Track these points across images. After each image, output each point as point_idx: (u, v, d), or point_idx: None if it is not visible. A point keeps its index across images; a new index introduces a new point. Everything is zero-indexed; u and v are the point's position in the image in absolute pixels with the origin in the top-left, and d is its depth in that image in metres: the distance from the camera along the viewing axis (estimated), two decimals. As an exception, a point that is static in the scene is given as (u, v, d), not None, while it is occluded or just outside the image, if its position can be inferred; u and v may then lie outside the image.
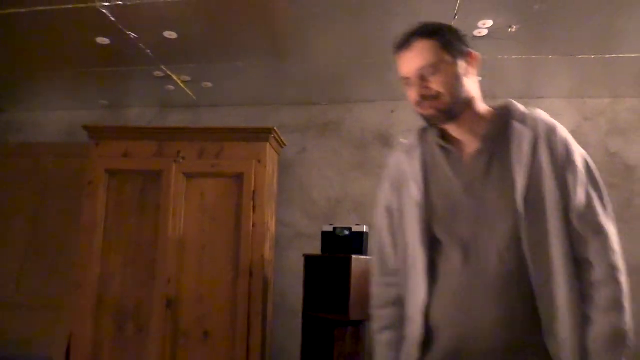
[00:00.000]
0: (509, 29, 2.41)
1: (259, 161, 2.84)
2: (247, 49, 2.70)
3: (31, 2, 2.28)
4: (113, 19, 2.36)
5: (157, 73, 2.96)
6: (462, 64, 1.26)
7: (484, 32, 2.44)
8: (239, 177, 2.83)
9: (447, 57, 1.24)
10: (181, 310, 2.76)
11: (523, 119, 1.27)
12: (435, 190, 1.31)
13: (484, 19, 2.35)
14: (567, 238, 1.19)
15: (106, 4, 2.24)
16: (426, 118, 1.29)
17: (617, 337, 1.15)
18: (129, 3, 2.23)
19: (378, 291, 1.43)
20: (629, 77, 2.90)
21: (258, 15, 2.36)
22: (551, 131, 1.25)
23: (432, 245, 1.27)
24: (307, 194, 3.24)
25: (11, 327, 3.12)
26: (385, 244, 1.42)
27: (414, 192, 1.32)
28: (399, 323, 1.34)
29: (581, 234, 1.19)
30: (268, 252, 2.92)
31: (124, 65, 2.89)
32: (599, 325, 1.15)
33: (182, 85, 3.12)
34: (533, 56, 2.70)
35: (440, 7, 2.24)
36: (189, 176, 2.86)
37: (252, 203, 2.79)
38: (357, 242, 2.63)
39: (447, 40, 1.25)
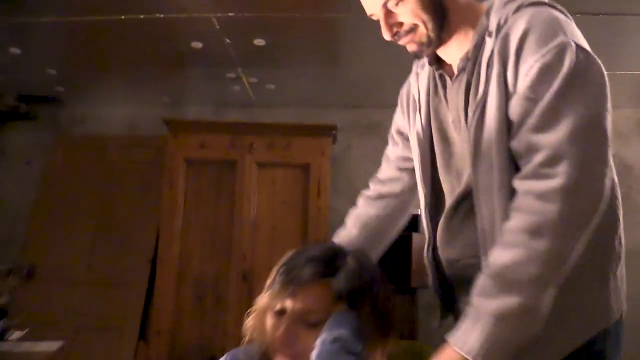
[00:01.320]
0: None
1: (323, 153, 3.27)
2: (305, 55, 3.10)
3: (143, 10, 2.65)
4: (218, 27, 2.75)
5: (230, 75, 3.35)
6: None
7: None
8: (305, 167, 3.25)
9: None
10: (255, 282, 3.14)
11: (495, 27, 1.08)
12: (436, 125, 1.23)
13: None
14: (511, 166, 1.04)
15: (219, 14, 2.64)
16: (414, 55, 1.20)
17: (497, 281, 0.96)
18: (240, 14, 2.64)
19: None
20: (626, 90, 3.48)
21: (316, 25, 2.72)
22: (511, 32, 1.04)
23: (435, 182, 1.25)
24: (352, 185, 3.68)
25: (85, 303, 3.41)
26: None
27: (418, 125, 1.26)
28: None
29: (518, 155, 1.03)
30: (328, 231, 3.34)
31: (205, 67, 3.26)
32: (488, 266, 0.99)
33: (247, 86, 3.52)
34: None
35: None
36: (260, 165, 3.26)
37: (317, 190, 3.22)
38: (414, 222, 3.09)
39: None
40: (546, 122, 0.97)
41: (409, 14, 1.09)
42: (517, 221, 0.96)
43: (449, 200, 1.21)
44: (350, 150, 3.76)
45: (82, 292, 3.44)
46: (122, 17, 2.69)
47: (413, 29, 1.11)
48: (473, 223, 1.11)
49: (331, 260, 1.07)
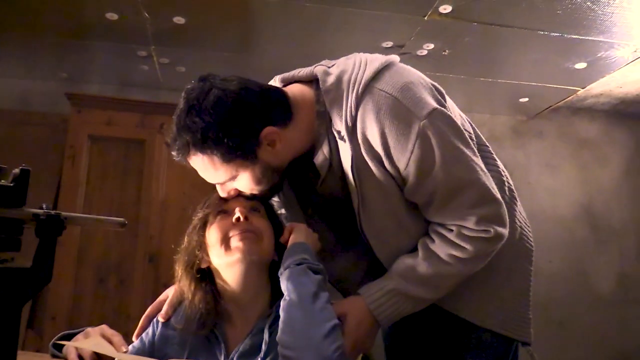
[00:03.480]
0: (443, 52, 3.24)
1: (235, 138, 3.29)
2: (221, 39, 3.12)
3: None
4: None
5: (141, 52, 3.26)
6: (252, 163, 1.17)
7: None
8: (217, 150, 3.25)
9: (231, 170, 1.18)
10: (162, 264, 3.08)
11: (346, 135, 1.19)
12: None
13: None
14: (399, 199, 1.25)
15: (143, -15, 2.59)
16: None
17: (419, 281, 1.21)
18: (165, -12, 2.61)
19: None
20: (503, 98, 3.95)
21: (235, 8, 2.77)
22: (365, 138, 1.18)
23: None
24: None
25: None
26: None
27: None
28: None
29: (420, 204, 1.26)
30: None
31: (115, 42, 3.14)
32: (416, 261, 1.23)
33: (157, 66, 3.44)
34: (438, 74, 3.52)
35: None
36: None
37: (228, 173, 3.24)
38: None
39: (224, 150, 1.14)
40: (449, 199, 1.19)
41: (241, 186, 1.25)
42: (435, 267, 1.22)
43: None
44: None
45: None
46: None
47: (254, 196, 1.28)
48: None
49: None
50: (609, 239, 4.09)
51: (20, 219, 0.83)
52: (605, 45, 3.05)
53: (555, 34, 2.95)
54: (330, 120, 1.20)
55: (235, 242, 1.15)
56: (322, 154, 1.23)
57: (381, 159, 1.17)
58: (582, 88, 3.66)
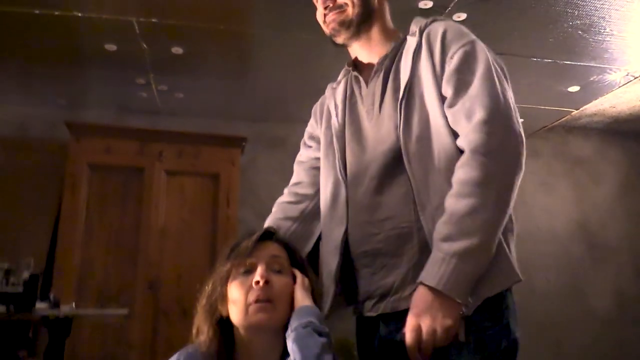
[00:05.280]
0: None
1: (233, 164, 3.33)
2: (218, 67, 3.18)
3: (60, 6, 2.55)
4: (138, 31, 2.73)
5: (140, 80, 3.29)
6: None
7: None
8: (215, 177, 3.29)
9: None
10: (162, 291, 3.10)
11: (416, 31, 1.31)
12: (350, 120, 1.38)
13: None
14: (448, 134, 1.20)
15: (142, 19, 2.63)
16: (331, 36, 1.37)
17: (457, 226, 1.10)
18: (163, 21, 2.64)
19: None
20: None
21: (231, 38, 2.83)
22: (433, 31, 1.28)
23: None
24: (257, 196, 3.77)
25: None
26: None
27: (334, 122, 1.41)
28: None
29: (457, 122, 1.19)
30: (236, 242, 3.40)
31: (114, 71, 3.18)
32: (445, 213, 1.13)
33: (155, 93, 3.47)
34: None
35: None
36: (170, 174, 3.23)
37: (227, 199, 3.27)
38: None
39: None
40: (479, 93, 1.17)
41: None
42: (467, 174, 1.12)
43: (363, 180, 1.31)
44: (256, 162, 3.86)
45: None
46: (35, 11, 2.57)
47: (342, 7, 1.33)
48: (397, 192, 1.24)
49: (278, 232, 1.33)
50: (605, 257, 4.12)
51: (30, 321, 0.85)
52: (597, 69, 3.10)
53: (548, 60, 3.00)
54: (405, 40, 1.34)
55: (253, 312, 1.16)
56: (386, 53, 1.34)
57: (433, 51, 1.26)
58: (576, 109, 3.72)
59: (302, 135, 1.60)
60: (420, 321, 1.08)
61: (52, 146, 3.41)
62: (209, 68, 3.18)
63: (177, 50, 2.92)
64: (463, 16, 2.59)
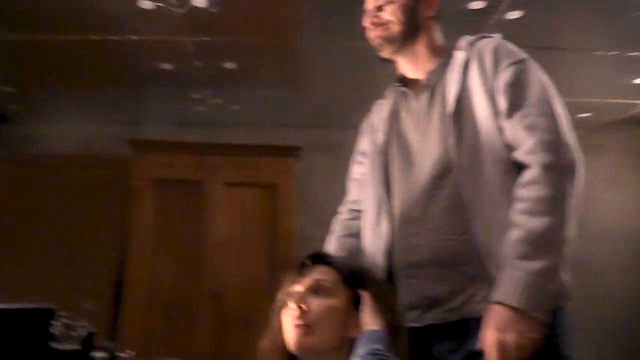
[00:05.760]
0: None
1: (289, 173, 3.37)
2: (272, 78, 3.23)
3: (117, 32, 2.66)
4: (191, 50, 2.80)
5: (195, 96, 3.39)
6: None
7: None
8: (272, 187, 3.33)
9: None
10: (226, 302, 3.16)
11: (465, 46, 1.34)
12: (395, 135, 1.39)
13: None
14: (501, 145, 1.20)
15: (193, 39, 2.69)
16: (376, 48, 1.40)
17: (535, 245, 1.09)
18: (214, 39, 2.70)
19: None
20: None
21: (283, 51, 2.86)
22: (483, 47, 1.30)
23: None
24: (315, 204, 3.79)
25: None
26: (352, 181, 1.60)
27: (378, 138, 1.42)
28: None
29: (514, 135, 1.19)
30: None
31: (171, 88, 3.28)
32: (517, 229, 1.11)
33: (211, 107, 3.56)
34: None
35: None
36: (227, 185, 3.30)
37: (285, 209, 3.31)
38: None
39: None
40: (539, 110, 1.19)
41: (390, 12, 1.35)
42: (540, 192, 1.12)
43: (409, 193, 1.32)
44: (312, 170, 3.87)
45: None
46: (93, 37, 2.68)
47: (387, 24, 1.35)
48: (444, 203, 1.25)
49: (329, 255, 1.31)
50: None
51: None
52: (666, 59, 2.91)
53: (612, 52, 2.85)
54: (452, 56, 1.35)
55: (293, 338, 1.18)
56: (435, 68, 1.36)
57: (484, 65, 1.27)
58: (644, 101, 3.51)
59: (356, 141, 1.62)
60: (505, 336, 1.07)
61: (115, 161, 3.55)
62: (262, 80, 3.22)
63: (230, 65, 2.97)
64: (518, 14, 2.50)
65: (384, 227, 1.35)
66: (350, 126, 3.96)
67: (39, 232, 3.50)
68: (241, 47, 2.79)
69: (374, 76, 3.03)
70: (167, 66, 2.98)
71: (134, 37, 2.68)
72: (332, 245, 1.54)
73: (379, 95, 1.54)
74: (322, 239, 2.01)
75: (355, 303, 1.22)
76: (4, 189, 3.63)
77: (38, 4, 2.42)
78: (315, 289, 1.21)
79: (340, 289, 1.23)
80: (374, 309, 1.22)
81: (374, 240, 1.37)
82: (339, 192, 1.65)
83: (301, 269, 1.24)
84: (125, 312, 3.11)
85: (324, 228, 1.64)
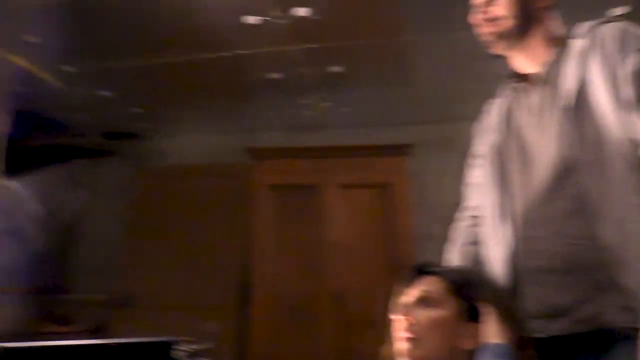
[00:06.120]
0: None
1: (402, 172, 3.32)
2: (379, 77, 3.19)
3: (225, 48, 2.77)
4: (296, 58, 2.85)
5: (305, 101, 3.45)
6: None
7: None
8: (386, 186, 3.30)
9: None
10: (347, 303, 3.20)
11: (584, 33, 1.24)
12: (511, 134, 1.32)
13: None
14: (627, 141, 1.12)
15: (298, 47, 2.74)
16: (486, 44, 1.33)
17: None
18: (318, 46, 2.73)
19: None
20: None
21: (389, 49, 2.82)
22: (605, 32, 1.20)
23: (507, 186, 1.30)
24: (432, 201, 3.69)
25: (180, 328, 3.55)
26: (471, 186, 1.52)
27: (494, 139, 1.36)
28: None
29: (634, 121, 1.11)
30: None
31: (281, 95, 3.37)
32: None
33: (321, 110, 3.60)
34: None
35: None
36: (342, 187, 3.33)
37: (400, 208, 3.26)
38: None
39: None
40: None
41: (501, 6, 1.27)
42: None
43: (528, 195, 1.24)
44: (427, 166, 3.78)
45: (176, 317, 3.58)
46: (206, 55, 2.83)
47: (498, 20, 1.28)
48: (566, 205, 1.16)
49: (441, 265, 1.31)
50: None
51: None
52: None
53: None
54: (569, 46, 1.26)
55: (398, 349, 1.19)
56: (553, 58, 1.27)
57: (610, 61, 1.16)
58: None
59: (469, 135, 1.57)
60: None
61: (235, 169, 3.72)
62: (369, 80, 3.20)
63: (336, 68, 2.99)
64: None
65: (505, 232, 1.27)
66: (461, 119, 3.82)
67: (169, 238, 3.79)
68: (346, 50, 2.79)
69: (482, 66, 2.89)
70: (276, 75, 3.07)
71: (243, 52, 2.78)
72: (454, 255, 1.49)
73: (488, 84, 1.46)
74: (441, 237, 1.97)
75: (470, 313, 1.19)
76: (139, 200, 3.98)
77: (156, 32, 2.60)
78: (422, 300, 1.21)
79: (449, 299, 1.20)
80: (496, 320, 1.17)
81: (495, 246, 1.31)
82: (455, 187, 1.61)
83: (409, 279, 1.24)
84: (252, 314, 3.27)
85: (442, 225, 1.63)
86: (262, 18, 2.46)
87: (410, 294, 1.22)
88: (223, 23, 2.51)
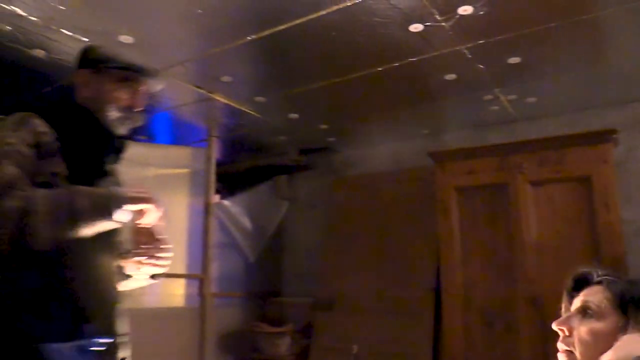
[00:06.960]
0: None
1: (605, 162, 2.96)
2: (565, 61, 2.88)
3: (397, 58, 2.81)
4: (470, 56, 2.77)
5: (487, 97, 3.31)
6: None
7: None
8: (585, 180, 2.99)
9: None
10: (546, 307, 2.99)
11: None
12: None
13: None
14: None
15: (469, 45, 2.66)
16: None
17: None
18: (490, 40, 2.61)
19: None
20: None
21: (573, 30, 2.54)
22: None
23: None
24: (638, 191, 3.26)
25: (378, 331, 3.69)
26: None
27: None
28: None
29: None
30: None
31: (460, 95, 3.30)
32: None
33: (506, 104, 3.43)
34: None
35: None
36: (534, 184, 3.12)
37: (604, 202, 2.93)
38: None
39: None
40: None
41: None
42: None
43: None
44: (633, 152, 3.33)
45: (374, 320, 3.73)
46: (379, 68, 2.91)
47: None
48: None
49: (609, 273, 1.19)
50: None
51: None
52: None
53: None
54: None
55: (558, 358, 1.15)
56: None
57: None
58: None
59: None
60: None
61: (421, 173, 3.75)
62: (553, 65, 2.94)
63: (514, 60, 2.82)
64: None
65: None
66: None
67: (364, 243, 3.98)
68: (521, 39, 2.62)
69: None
70: (451, 76, 3.01)
71: (413, 59, 2.80)
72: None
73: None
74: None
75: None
76: (335, 208, 4.25)
77: (333, 55, 2.77)
78: (583, 311, 1.13)
79: (610, 311, 1.10)
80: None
81: None
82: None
83: (572, 287, 1.20)
84: (444, 317, 3.24)
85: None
86: (426, 24, 2.45)
87: (574, 304, 1.16)
88: (391, 36, 2.56)
